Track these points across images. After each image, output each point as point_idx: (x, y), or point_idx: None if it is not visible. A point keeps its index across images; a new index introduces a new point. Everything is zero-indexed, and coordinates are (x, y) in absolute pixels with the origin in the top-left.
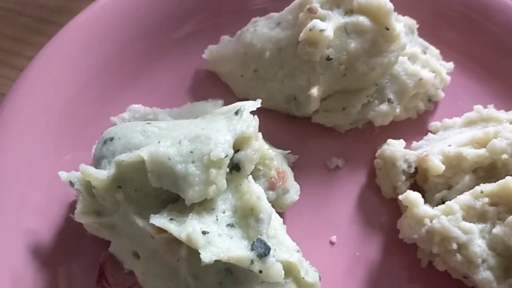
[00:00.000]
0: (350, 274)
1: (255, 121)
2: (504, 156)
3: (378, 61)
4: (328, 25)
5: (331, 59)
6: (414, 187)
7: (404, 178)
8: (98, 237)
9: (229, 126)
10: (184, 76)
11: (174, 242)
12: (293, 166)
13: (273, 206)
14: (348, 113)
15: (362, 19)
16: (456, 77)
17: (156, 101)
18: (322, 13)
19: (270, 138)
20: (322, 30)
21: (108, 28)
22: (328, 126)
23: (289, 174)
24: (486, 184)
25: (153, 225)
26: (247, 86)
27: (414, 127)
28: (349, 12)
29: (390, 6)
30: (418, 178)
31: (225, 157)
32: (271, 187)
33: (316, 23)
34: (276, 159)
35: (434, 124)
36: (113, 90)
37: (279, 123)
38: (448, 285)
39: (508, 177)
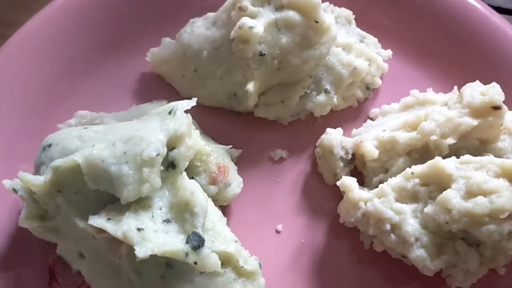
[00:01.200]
0: (296, 260)
1: (187, 120)
2: (433, 137)
3: (310, 54)
4: (257, 22)
5: (264, 54)
6: (355, 172)
7: (342, 164)
8: (47, 241)
9: (162, 125)
10: (129, 79)
11: (114, 241)
12: (238, 160)
13: (215, 200)
14: (287, 105)
15: (292, 14)
16: (395, 64)
17: (102, 106)
18: (252, 11)
19: (215, 135)
20: (251, 27)
21: (51, 38)
22: (271, 120)
23: (231, 168)
24: (417, 166)
25: (93, 225)
26: (190, 86)
27: (355, 115)
28: (280, 8)
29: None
30: (357, 164)
31: (157, 155)
32: (212, 182)
33: (245, 20)
34: (217, 155)
35: (373, 111)
36: (59, 97)
37: (223, 120)
38: (391, 265)
39: (436, 157)
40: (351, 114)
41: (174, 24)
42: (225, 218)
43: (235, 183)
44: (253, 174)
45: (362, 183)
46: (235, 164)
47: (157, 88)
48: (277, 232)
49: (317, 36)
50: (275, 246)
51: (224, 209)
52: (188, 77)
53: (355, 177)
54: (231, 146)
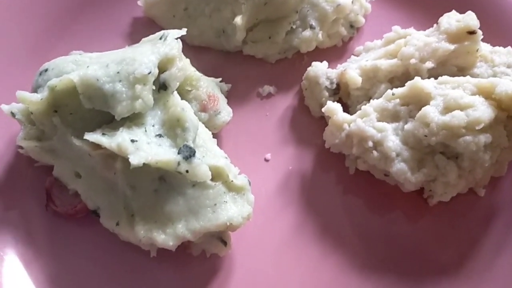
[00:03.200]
0: (284, 185)
1: (178, 44)
2: (413, 60)
3: None
4: None
5: None
6: (340, 103)
7: (327, 94)
8: (44, 167)
9: (154, 49)
10: (122, 23)
11: (110, 157)
12: (228, 96)
13: (206, 127)
14: (275, 41)
15: None
16: (379, 5)
17: (96, 48)
18: None
19: (205, 72)
20: None
21: None
22: (259, 58)
23: (221, 98)
24: (398, 88)
25: (88, 142)
26: (180, 26)
27: (340, 53)
28: None
29: None
30: (342, 94)
31: (149, 73)
32: (202, 109)
33: None
34: (207, 85)
35: (358, 48)
36: (56, 38)
37: (213, 59)
38: (375, 192)
39: (416, 78)
40: (336, 52)
41: None
42: (215, 140)
43: (225, 112)
44: (243, 108)
45: (347, 113)
46: (225, 97)
47: (149, 30)
48: (266, 160)
49: None
50: (264, 173)
51: (214, 137)
52: (178, 17)
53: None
54: (220, 79)
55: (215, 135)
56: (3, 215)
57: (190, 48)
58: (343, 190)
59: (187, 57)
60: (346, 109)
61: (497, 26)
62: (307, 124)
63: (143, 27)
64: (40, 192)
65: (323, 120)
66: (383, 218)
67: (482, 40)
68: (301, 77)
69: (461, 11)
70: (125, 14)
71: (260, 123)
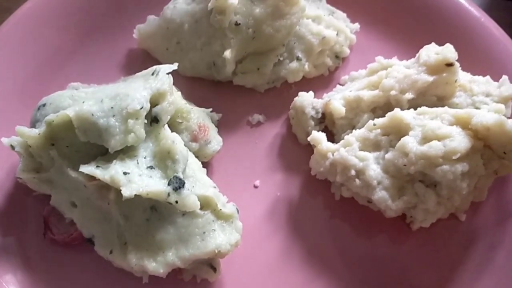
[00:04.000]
0: (272, 212)
1: (169, 79)
2: (393, 92)
3: (282, 23)
4: None
5: (239, 24)
6: (326, 132)
7: (313, 123)
8: (42, 196)
9: (146, 84)
10: (118, 55)
11: (104, 188)
12: (218, 124)
13: (197, 157)
14: (263, 72)
15: None
16: (363, 37)
17: (93, 79)
18: None
19: (197, 102)
20: None
21: (45, 18)
22: (248, 87)
23: (212, 128)
24: (379, 118)
25: (84, 174)
26: (173, 58)
27: (326, 82)
28: None
29: None
30: (327, 123)
31: (141, 108)
32: (193, 139)
33: None
34: (198, 115)
35: (343, 78)
36: (53, 72)
37: (205, 88)
38: (360, 217)
39: (396, 109)
40: (322, 82)
41: (159, 3)
42: (205, 169)
43: (215, 141)
44: (233, 136)
45: (332, 140)
46: (216, 126)
47: (143, 62)
48: (255, 187)
49: (287, 7)
50: (253, 199)
51: (205, 166)
52: (171, 50)
53: (327, 136)
54: (211, 109)
55: (206, 163)
56: (2, 243)
57: (183, 79)
58: (329, 216)
59: (180, 88)
60: (332, 136)
61: (477, 55)
62: (295, 151)
63: (139, 59)
64: (39, 220)
65: (310, 147)
66: (368, 242)
67: (462, 69)
68: (289, 105)
69: (442, 41)
70: (121, 46)
71: (249, 151)
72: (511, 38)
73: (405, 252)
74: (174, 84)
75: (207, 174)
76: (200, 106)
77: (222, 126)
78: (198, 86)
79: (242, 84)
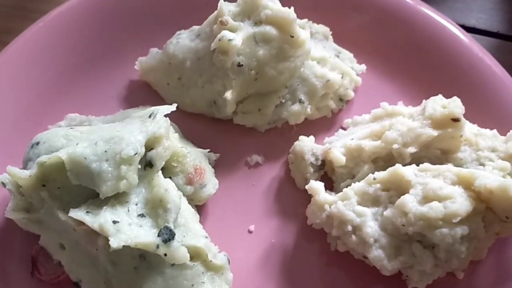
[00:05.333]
0: (266, 259)
1: (166, 123)
2: (395, 145)
3: (285, 66)
4: (236, 35)
5: (242, 65)
6: (325, 178)
7: (312, 170)
8: (32, 234)
9: (142, 127)
10: (119, 86)
11: (93, 233)
12: (216, 164)
13: (191, 200)
14: (264, 113)
15: (269, 29)
16: (370, 78)
17: (92, 110)
18: (233, 25)
19: (196, 139)
20: (230, 40)
21: (46, 46)
22: (249, 127)
23: (208, 170)
24: (379, 172)
25: (74, 218)
26: (174, 93)
27: (328, 125)
28: (258, 23)
29: (294, 16)
30: (327, 170)
31: (135, 154)
32: (188, 182)
33: (225, 33)
34: (194, 157)
35: (346, 121)
36: (52, 101)
37: (204, 126)
38: (357, 268)
39: (397, 164)
40: (325, 124)
41: (162, 36)
42: (198, 216)
43: (211, 184)
44: (230, 177)
45: (331, 188)
46: (213, 167)
47: (144, 95)
48: (249, 232)
49: (292, 49)
50: (247, 245)
51: (200, 209)
52: (172, 85)
53: (326, 183)
54: (209, 150)
55: (200, 205)
56: None
57: (183, 114)
58: (324, 265)
59: (179, 123)
60: (331, 184)
61: (486, 106)
62: (293, 196)
63: (139, 91)
64: (27, 258)
65: (308, 193)
66: None
67: (469, 119)
68: (289, 147)
69: (451, 88)
70: (122, 77)
71: (246, 193)
72: None
73: None
74: (173, 119)
75: (201, 217)
76: (198, 143)
77: (220, 166)
78: (198, 122)
79: (242, 123)
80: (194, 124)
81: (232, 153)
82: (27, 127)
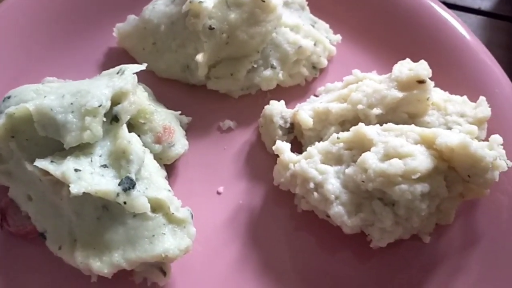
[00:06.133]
0: (233, 219)
1: (134, 79)
2: (360, 106)
3: (256, 30)
4: None
5: (214, 28)
6: (295, 142)
7: (281, 133)
8: (1, 188)
9: (109, 83)
10: (97, 52)
11: (58, 183)
12: (188, 128)
13: (160, 159)
14: (236, 78)
15: None
16: (345, 49)
17: (70, 75)
18: None
19: (169, 104)
20: (201, 2)
21: (26, 12)
22: (222, 93)
23: (178, 131)
24: (344, 132)
25: (39, 168)
26: (149, 59)
27: (302, 93)
28: None
29: None
30: (297, 134)
31: (99, 106)
32: (156, 140)
33: None
34: (164, 117)
35: (319, 89)
36: (30, 64)
37: (178, 91)
38: (323, 226)
39: (360, 123)
40: (298, 92)
41: (140, 3)
42: (165, 173)
43: (180, 144)
44: (201, 141)
45: (301, 152)
46: (184, 130)
47: (121, 60)
48: (218, 193)
49: (263, 14)
50: (214, 205)
51: (169, 169)
52: (147, 50)
53: (296, 147)
54: (180, 112)
55: (170, 166)
56: None
57: (158, 80)
58: (290, 227)
59: (153, 88)
60: (301, 148)
61: (458, 73)
62: (262, 159)
63: (117, 57)
64: None
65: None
66: (327, 258)
67: (440, 87)
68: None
69: (424, 56)
70: (101, 44)
71: (216, 156)
72: (509, 60)
73: (364, 270)
74: (148, 84)
75: (171, 177)
76: (172, 107)
77: (192, 130)
78: (173, 88)
79: (215, 89)
80: (168, 90)
81: (205, 118)
82: (4, 89)
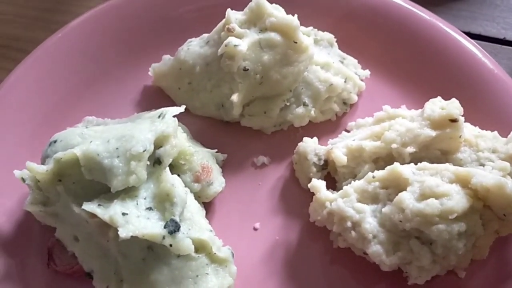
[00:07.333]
0: (270, 256)
1: (174, 123)
2: (394, 145)
3: (289, 70)
4: (242, 41)
5: (248, 69)
6: (329, 178)
7: (315, 170)
8: (48, 227)
9: (151, 127)
10: (133, 91)
11: (104, 225)
12: (223, 165)
13: (198, 197)
14: (269, 116)
15: (274, 35)
16: (374, 83)
17: (108, 114)
18: (239, 31)
19: (204, 141)
20: (236, 45)
21: (67, 54)
22: (256, 129)
23: (215, 169)
24: (378, 171)
25: (87, 211)
26: (184, 98)
27: (333, 128)
28: (263, 29)
29: (297, 23)
30: (330, 170)
31: (144, 151)
32: (196, 179)
33: (231, 39)
34: (202, 156)
35: (350, 124)
36: (71, 107)
37: (213, 128)
38: (357, 262)
39: (395, 163)
40: (329, 127)
41: (174, 43)
42: (204, 211)
43: (217, 182)
44: (237, 177)
45: (334, 187)
46: (220, 167)
47: (157, 99)
48: (255, 229)
49: (295, 55)
50: (252, 242)
51: (207, 207)
52: (183, 89)
53: (330, 183)
54: (216, 150)
55: (208, 204)
56: (6, 268)
57: (193, 117)
58: (327, 262)
59: (189, 126)
60: (334, 183)
61: (487, 108)
62: (297, 195)
63: (153, 96)
64: (43, 250)
65: (312, 193)
66: None
67: (470, 122)
68: (295, 149)
69: (453, 91)
70: (137, 83)
71: (252, 192)
72: None
73: None
74: (184, 122)
75: (208, 214)
76: (207, 145)
77: (227, 167)
78: (207, 125)
79: (249, 125)
80: (203, 127)
81: (239, 154)
82: (48, 129)
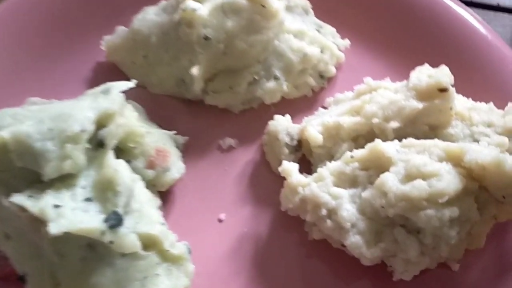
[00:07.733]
0: (237, 250)
1: (120, 98)
2: (375, 120)
3: (257, 38)
4: (202, 5)
5: (209, 38)
6: (304, 161)
7: (287, 151)
8: None
9: (93, 104)
10: (84, 68)
11: (37, 220)
12: (185, 148)
13: (153, 185)
14: (236, 91)
15: None
16: (354, 54)
17: (56, 94)
18: None
19: (164, 122)
20: (194, 10)
21: (7, 25)
22: (222, 108)
23: (173, 153)
24: (358, 150)
25: (16, 204)
26: (140, 73)
27: (309, 104)
28: None
29: None
30: (305, 152)
31: (81, 131)
32: (149, 165)
33: (189, 3)
34: (157, 139)
35: (328, 100)
36: (13, 85)
37: (174, 108)
38: (335, 255)
39: (376, 140)
40: (305, 104)
41: (132, 14)
42: (158, 202)
43: (176, 168)
44: (200, 162)
45: (310, 172)
46: (181, 151)
47: (111, 76)
48: (220, 221)
49: (264, 20)
50: (215, 235)
51: (164, 197)
52: (138, 64)
53: (305, 166)
54: (175, 132)
55: (166, 193)
56: None
57: (151, 96)
58: (301, 256)
59: (146, 106)
60: (310, 167)
61: (481, 78)
62: (267, 181)
63: (106, 72)
64: None
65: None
66: None
67: (462, 93)
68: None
69: (442, 60)
70: (88, 58)
71: (217, 179)
72: None
73: None
74: (140, 101)
75: (165, 205)
76: (166, 127)
77: (189, 151)
78: (167, 104)
79: (214, 104)
80: (162, 106)
81: (203, 136)
82: None
